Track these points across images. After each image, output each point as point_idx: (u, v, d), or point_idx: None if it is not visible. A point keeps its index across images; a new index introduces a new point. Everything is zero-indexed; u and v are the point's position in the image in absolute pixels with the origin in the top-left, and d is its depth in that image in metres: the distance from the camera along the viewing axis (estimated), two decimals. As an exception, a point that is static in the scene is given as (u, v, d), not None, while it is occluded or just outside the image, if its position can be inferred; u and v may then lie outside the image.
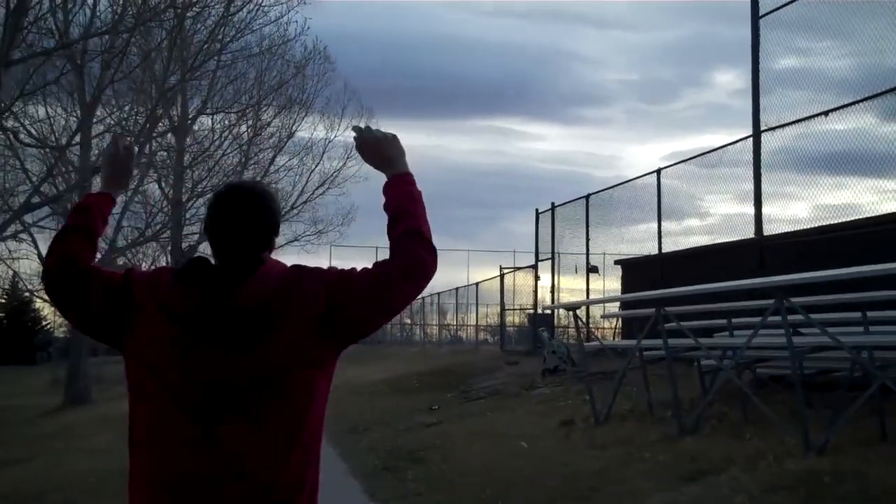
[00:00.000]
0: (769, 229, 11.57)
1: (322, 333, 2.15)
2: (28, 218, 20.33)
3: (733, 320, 9.04)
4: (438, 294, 34.56)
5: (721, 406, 8.44)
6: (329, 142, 33.99)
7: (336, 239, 36.92)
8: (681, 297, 8.90)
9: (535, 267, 19.81)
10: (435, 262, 2.34)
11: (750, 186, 11.75)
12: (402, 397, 15.92)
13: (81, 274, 2.28)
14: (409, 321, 41.98)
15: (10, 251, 23.36)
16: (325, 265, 2.28)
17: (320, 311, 2.14)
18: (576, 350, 15.60)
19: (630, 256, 16.23)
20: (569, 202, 18.65)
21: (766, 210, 11.57)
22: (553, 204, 19.22)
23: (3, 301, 54.34)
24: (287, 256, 36.79)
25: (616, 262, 16.67)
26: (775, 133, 11.36)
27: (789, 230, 11.54)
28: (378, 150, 2.49)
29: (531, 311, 20.40)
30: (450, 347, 29.89)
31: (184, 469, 2.05)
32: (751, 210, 11.79)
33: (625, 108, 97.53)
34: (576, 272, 17.95)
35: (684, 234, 15.63)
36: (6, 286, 33.03)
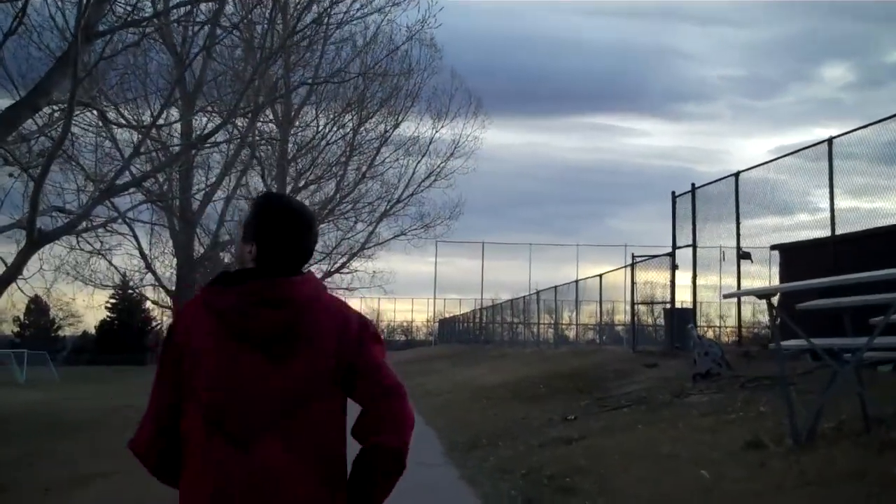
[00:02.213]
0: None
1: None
2: (123, 208, 19.21)
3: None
4: (556, 288, 32.26)
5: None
6: (436, 132, 32.57)
7: (443, 234, 35.48)
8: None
9: (672, 255, 17.56)
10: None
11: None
12: (528, 404, 13.98)
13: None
14: (516, 320, 40.05)
15: (101, 242, 21.86)
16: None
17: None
18: (729, 350, 13.51)
19: (791, 241, 13.98)
20: (713, 182, 16.42)
21: None
22: (693, 185, 16.97)
23: (115, 301, 54.67)
24: (394, 251, 35.48)
25: (773, 248, 14.39)
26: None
27: None
28: None
29: (667, 306, 18.09)
30: (569, 348, 27.75)
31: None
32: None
33: (729, 103, 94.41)
34: (723, 259, 15.74)
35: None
36: (115, 284, 31.72)
